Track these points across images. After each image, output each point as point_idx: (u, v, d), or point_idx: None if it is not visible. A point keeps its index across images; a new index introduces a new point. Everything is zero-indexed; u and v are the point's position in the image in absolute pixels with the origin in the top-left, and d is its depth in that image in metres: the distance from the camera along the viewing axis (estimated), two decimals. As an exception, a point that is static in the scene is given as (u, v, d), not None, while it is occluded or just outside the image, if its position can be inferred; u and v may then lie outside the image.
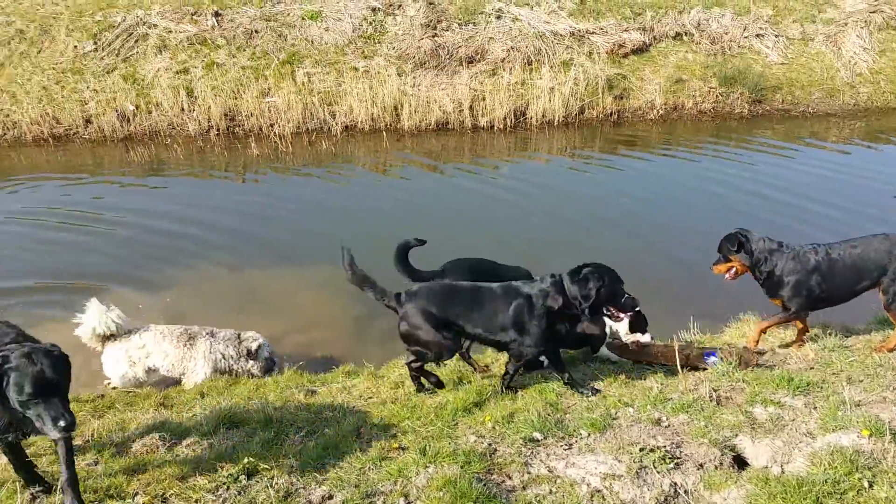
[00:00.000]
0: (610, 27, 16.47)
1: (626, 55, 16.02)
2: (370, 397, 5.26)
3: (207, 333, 6.31)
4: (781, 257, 5.34)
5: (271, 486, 3.71)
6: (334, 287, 8.48)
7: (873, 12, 17.67)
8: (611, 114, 14.97)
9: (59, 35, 14.58)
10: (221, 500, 3.64)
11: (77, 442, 4.56)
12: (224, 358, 6.27)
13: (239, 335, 6.44)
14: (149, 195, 11.40)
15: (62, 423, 3.27)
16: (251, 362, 6.39)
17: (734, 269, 5.44)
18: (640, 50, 16.20)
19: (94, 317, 6.03)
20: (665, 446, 3.93)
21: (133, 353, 6.13)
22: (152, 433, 4.62)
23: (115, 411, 5.25)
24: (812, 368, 5.00)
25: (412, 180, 12.49)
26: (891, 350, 5.41)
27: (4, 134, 12.96)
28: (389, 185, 12.33)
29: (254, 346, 6.38)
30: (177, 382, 6.31)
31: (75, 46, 14.42)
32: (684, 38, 16.73)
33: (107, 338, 6.15)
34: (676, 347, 5.19)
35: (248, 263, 9.00)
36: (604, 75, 15.12)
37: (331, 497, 3.67)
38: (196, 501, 3.63)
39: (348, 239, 9.24)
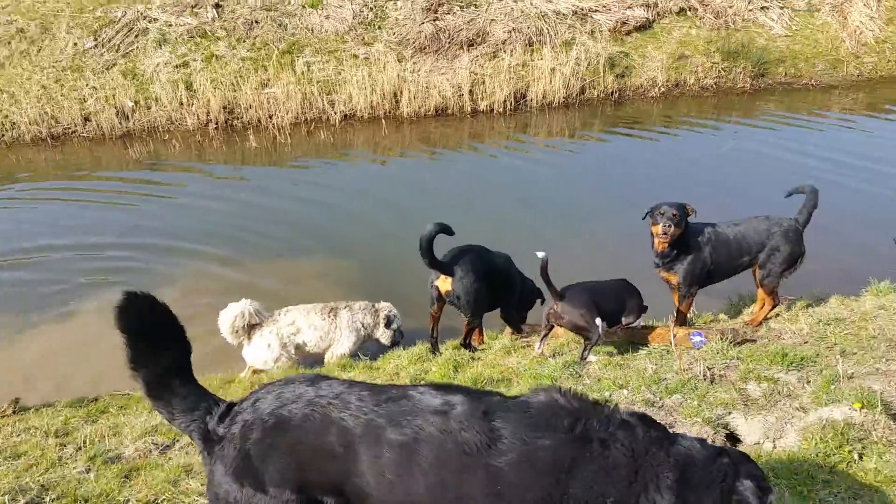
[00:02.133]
0: (613, 4, 16.21)
1: (629, 32, 15.80)
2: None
3: (346, 306, 6.62)
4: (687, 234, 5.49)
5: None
6: (329, 278, 8.53)
7: (882, -21, 17.32)
8: (612, 93, 14.80)
9: (59, 33, 14.59)
10: None
11: (69, 449, 4.57)
12: (364, 327, 6.63)
13: (374, 305, 6.79)
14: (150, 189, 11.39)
15: None
16: (385, 331, 6.73)
17: (669, 237, 5.39)
18: (643, 27, 15.97)
19: (238, 309, 6.27)
20: (656, 427, 3.89)
21: (284, 331, 6.35)
22: (145, 437, 4.63)
23: (109, 416, 5.27)
24: (806, 343, 4.93)
25: (407, 167, 12.46)
26: (758, 324, 5.68)
27: (3, 135, 13.00)
28: (386, 172, 12.30)
29: (391, 315, 6.74)
30: (320, 358, 6.58)
31: (75, 44, 14.43)
32: (688, 12, 16.47)
33: (252, 327, 6.36)
34: (665, 330, 5.16)
35: (246, 256, 8.99)
36: (606, 54, 14.93)
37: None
38: (187, 506, 3.63)
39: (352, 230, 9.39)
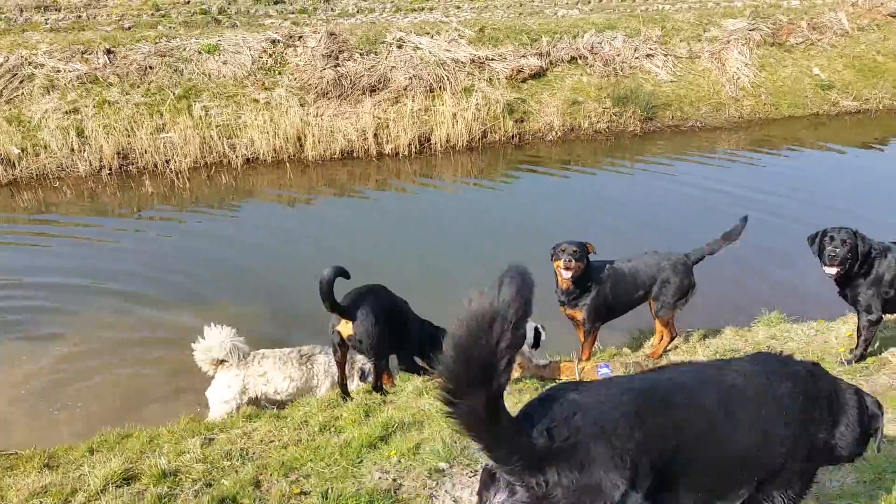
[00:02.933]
0: (508, 54, 16.86)
1: (524, 80, 16.42)
2: (272, 441, 5.06)
3: (321, 351, 6.34)
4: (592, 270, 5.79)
5: (160, 546, 3.50)
6: (239, 320, 8.26)
7: (752, 30, 18.83)
8: (512, 136, 15.29)
9: (-68, 77, 13.71)
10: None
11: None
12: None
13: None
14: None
15: None
16: (358, 381, 6.48)
17: (574, 273, 5.62)
18: (537, 74, 16.65)
19: (216, 340, 5.99)
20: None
21: (251, 379, 6.10)
22: (33, 499, 4.30)
23: (-8, 477, 4.85)
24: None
25: (319, 208, 12.39)
26: (658, 356, 5.98)
27: None
28: (292, 214, 12.16)
29: (366, 367, 6.44)
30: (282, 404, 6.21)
31: (-49, 89, 13.58)
32: (579, 61, 17.31)
33: (221, 362, 6.09)
34: (572, 364, 5.30)
35: (144, 304, 8.62)
36: (504, 100, 15.44)
37: (224, 553, 3.49)
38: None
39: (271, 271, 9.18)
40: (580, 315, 5.83)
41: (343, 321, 5.50)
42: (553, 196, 12.96)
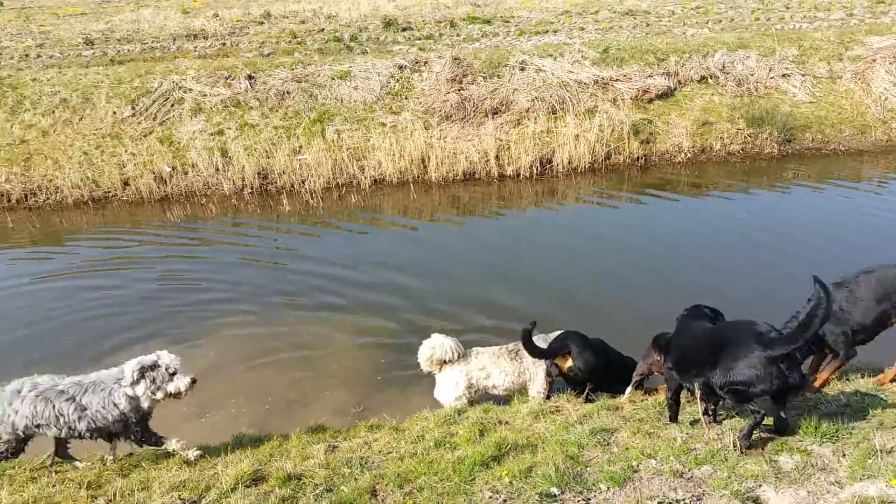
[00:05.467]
0: (634, 74, 16.59)
1: (650, 100, 16.07)
2: (389, 452, 5.22)
3: None
4: None
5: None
6: (360, 336, 8.61)
7: (902, 47, 17.49)
8: (637, 158, 14.96)
9: (99, 102, 15.26)
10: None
11: (100, 501, 4.63)
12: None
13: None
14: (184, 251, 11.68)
15: None
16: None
17: None
18: (665, 95, 16.25)
19: (434, 342, 6.58)
20: (684, 499, 3.82)
21: (474, 373, 6.60)
22: (173, 492, 4.66)
23: (140, 470, 5.30)
24: (842, 413, 4.82)
25: (440, 230, 12.64)
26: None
27: (48, 198, 13.50)
28: (414, 235, 12.46)
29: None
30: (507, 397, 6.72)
31: (114, 112, 15.06)
32: (709, 80, 16.74)
33: (444, 363, 6.62)
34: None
35: (274, 315, 9.17)
36: (629, 121, 15.17)
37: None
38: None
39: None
40: None
41: (559, 356, 6.35)
42: (690, 220, 12.59)
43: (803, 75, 17.03)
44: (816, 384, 5.55)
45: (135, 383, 5.24)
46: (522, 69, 16.55)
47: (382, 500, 4.34)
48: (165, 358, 5.38)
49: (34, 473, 5.28)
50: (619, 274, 10.22)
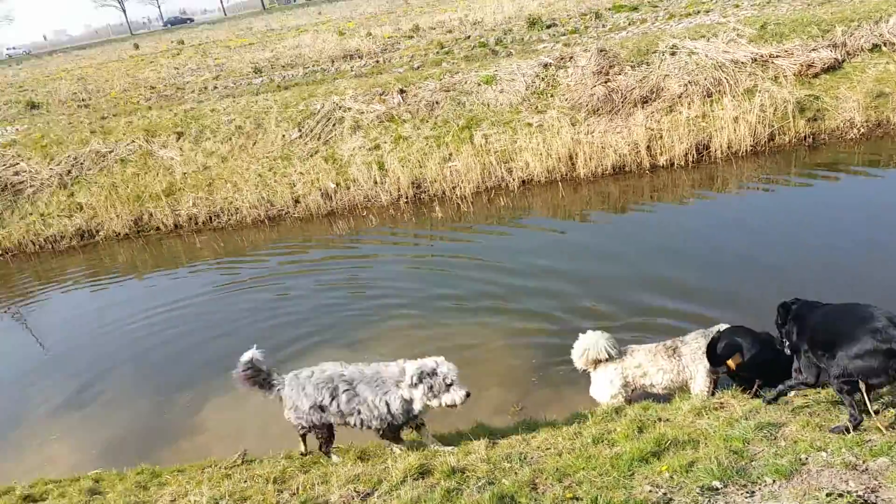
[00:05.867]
0: (795, 48, 15.44)
1: (816, 75, 14.89)
2: (548, 448, 5.36)
3: (680, 341, 6.60)
4: None
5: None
6: (515, 336, 8.80)
7: None
8: (805, 137, 13.92)
9: (269, 126, 16.69)
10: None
11: (285, 495, 5.16)
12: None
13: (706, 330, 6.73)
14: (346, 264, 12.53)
15: None
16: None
17: None
18: (831, 68, 14.98)
19: (590, 341, 6.58)
20: (857, 491, 3.62)
21: (629, 371, 6.57)
22: (349, 485, 5.09)
23: (320, 465, 5.82)
24: None
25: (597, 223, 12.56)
26: None
27: (229, 219, 14.98)
28: (566, 235, 12.44)
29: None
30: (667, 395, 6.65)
31: (283, 135, 16.41)
32: (884, 48, 15.20)
33: (598, 361, 6.67)
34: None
35: (436, 317, 9.64)
36: (793, 98, 14.16)
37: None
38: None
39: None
40: None
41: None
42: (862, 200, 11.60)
43: None
44: None
45: (412, 386, 5.45)
46: (673, 53, 15.98)
47: (542, 493, 4.48)
48: (444, 367, 5.48)
49: (228, 471, 5.97)
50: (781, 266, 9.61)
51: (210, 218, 15.09)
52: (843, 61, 15.15)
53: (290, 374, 5.90)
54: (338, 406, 5.62)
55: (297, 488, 5.20)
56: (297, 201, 14.96)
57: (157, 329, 10.76)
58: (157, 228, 15.15)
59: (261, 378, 5.88)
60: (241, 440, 7.09)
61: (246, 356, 5.86)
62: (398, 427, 5.76)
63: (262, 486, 5.36)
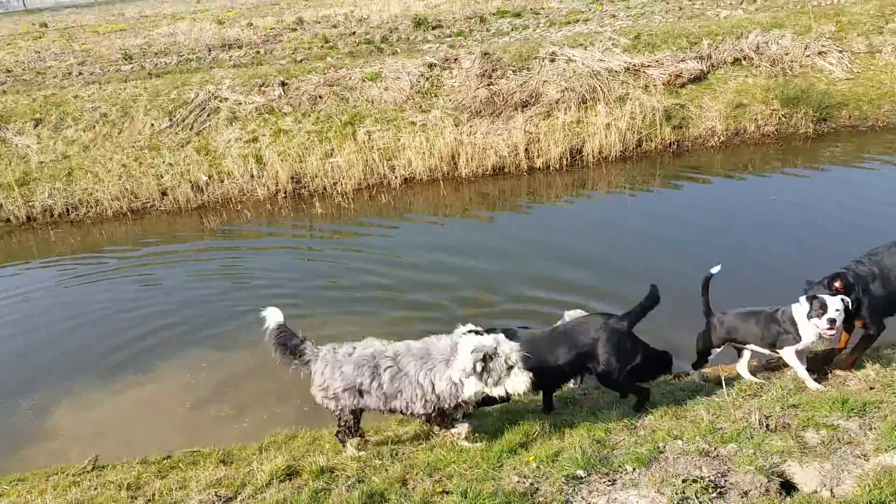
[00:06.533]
0: (666, 59, 16.40)
1: (683, 85, 15.88)
2: (420, 443, 5.32)
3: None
4: None
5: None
6: (395, 325, 8.74)
7: (947, 17, 16.93)
8: (670, 144, 14.80)
9: (137, 115, 15.75)
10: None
11: (139, 501, 4.81)
12: None
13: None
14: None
15: None
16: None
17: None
18: (697, 78, 16.04)
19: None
20: (709, 476, 3.84)
21: None
22: (209, 490, 4.81)
23: (178, 471, 5.48)
24: (872, 388, 4.76)
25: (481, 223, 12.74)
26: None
27: (88, 211, 13.99)
28: (439, 230, 12.56)
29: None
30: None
31: (152, 124, 15.53)
32: (743, 62, 16.45)
33: None
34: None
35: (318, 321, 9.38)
36: (661, 107, 15.01)
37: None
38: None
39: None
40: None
41: None
42: (721, 203, 12.45)
43: (840, 52, 16.61)
44: (849, 361, 5.47)
45: (474, 374, 4.49)
46: (552, 60, 16.51)
47: (413, 489, 4.43)
48: (505, 345, 4.54)
49: (76, 478, 5.52)
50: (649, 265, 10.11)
51: (67, 210, 14.01)
52: (708, 73, 16.25)
53: (326, 347, 5.10)
54: (380, 386, 4.78)
55: (153, 494, 4.86)
56: (164, 193, 14.19)
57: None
58: (7, 220, 13.91)
59: (292, 344, 5.12)
60: (97, 445, 6.58)
61: (273, 317, 5.12)
62: (450, 412, 4.85)
63: (113, 494, 4.98)
